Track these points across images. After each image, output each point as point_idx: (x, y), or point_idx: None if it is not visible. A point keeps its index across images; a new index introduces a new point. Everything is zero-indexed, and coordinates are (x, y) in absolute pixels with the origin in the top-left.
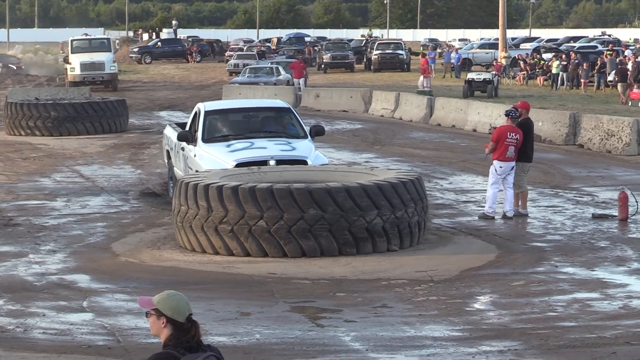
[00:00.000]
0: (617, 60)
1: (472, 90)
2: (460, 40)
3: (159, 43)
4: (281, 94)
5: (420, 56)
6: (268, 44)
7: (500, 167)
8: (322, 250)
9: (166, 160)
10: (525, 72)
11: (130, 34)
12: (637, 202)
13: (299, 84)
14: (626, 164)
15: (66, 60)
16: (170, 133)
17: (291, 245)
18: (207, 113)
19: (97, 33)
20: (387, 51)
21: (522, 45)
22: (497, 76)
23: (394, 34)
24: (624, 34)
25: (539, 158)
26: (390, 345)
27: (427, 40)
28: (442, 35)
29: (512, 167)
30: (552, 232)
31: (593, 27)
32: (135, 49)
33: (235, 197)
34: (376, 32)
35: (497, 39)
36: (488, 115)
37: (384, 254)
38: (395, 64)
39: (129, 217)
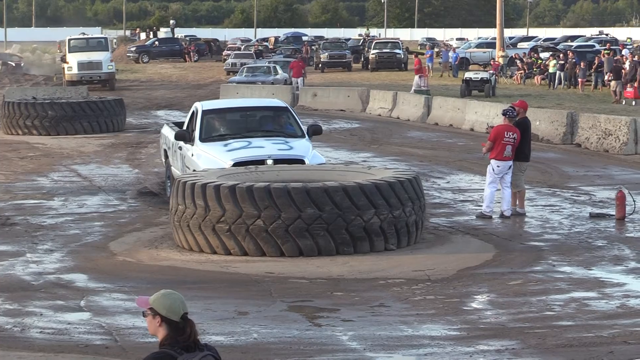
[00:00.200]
0: (615, 58)
1: (470, 90)
2: (457, 39)
3: (157, 42)
4: (279, 93)
5: (413, 56)
6: (265, 43)
7: (498, 166)
8: (319, 249)
9: (163, 160)
10: (522, 71)
11: (128, 33)
12: (634, 201)
13: (297, 83)
14: (623, 163)
15: (64, 60)
16: (168, 132)
17: (289, 244)
18: (204, 112)
19: (95, 32)
20: (385, 50)
21: (520, 45)
22: (494, 75)
23: (392, 33)
24: (622, 33)
25: (537, 157)
26: (388, 345)
27: (425, 40)
28: (440, 34)
29: (510, 167)
30: (549, 232)
31: (590, 26)
32: (133, 48)
33: (233, 197)
34: (373, 32)
35: (495, 38)
36: (485, 115)
37: (381, 253)
38: (392, 63)
39: (126, 217)
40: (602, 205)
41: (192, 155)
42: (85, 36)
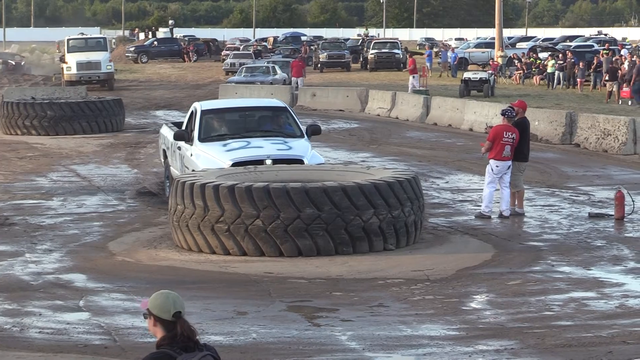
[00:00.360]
0: (613, 59)
1: (469, 90)
2: (456, 39)
3: (155, 42)
4: (277, 93)
5: (408, 56)
6: (264, 43)
7: (497, 166)
8: (318, 249)
9: (162, 160)
10: (521, 71)
11: (127, 33)
12: (633, 201)
13: (297, 82)
14: (622, 163)
15: (62, 60)
16: (167, 132)
17: (288, 244)
18: (203, 112)
19: (94, 32)
20: (384, 50)
21: (519, 45)
22: (493, 75)
23: (390, 33)
24: (620, 33)
25: (536, 157)
26: (387, 345)
27: (424, 40)
28: (439, 34)
29: (509, 167)
30: (548, 232)
31: (589, 26)
32: (132, 48)
33: (232, 197)
34: (372, 32)
35: (494, 38)
36: (484, 115)
37: (380, 253)
38: (391, 63)
39: (125, 217)
40: (601, 205)
41: (191, 155)
42: (84, 36)
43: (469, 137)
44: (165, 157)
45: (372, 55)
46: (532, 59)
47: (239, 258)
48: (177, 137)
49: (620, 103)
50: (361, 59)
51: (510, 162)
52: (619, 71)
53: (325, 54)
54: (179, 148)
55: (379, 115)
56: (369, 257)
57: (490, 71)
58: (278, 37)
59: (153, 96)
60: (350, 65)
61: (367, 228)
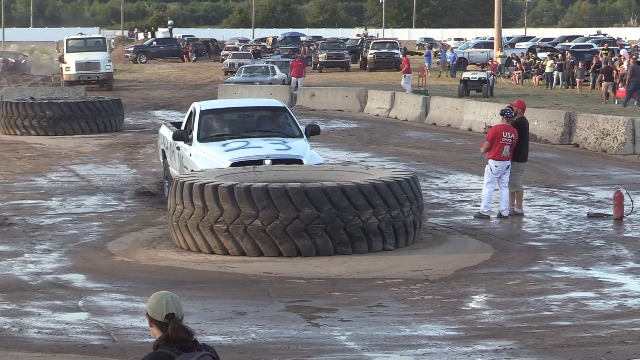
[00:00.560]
0: (612, 59)
1: (468, 90)
2: (455, 39)
3: (155, 42)
4: (277, 94)
5: (402, 56)
6: (263, 43)
7: (496, 166)
8: (317, 249)
9: (161, 160)
10: (520, 71)
11: (126, 33)
12: (632, 201)
13: (297, 82)
14: (621, 163)
15: (61, 60)
16: (166, 132)
17: (287, 244)
18: (202, 112)
19: (93, 32)
20: (383, 50)
21: (518, 45)
22: (492, 75)
23: (390, 33)
24: (620, 33)
25: (535, 157)
26: (386, 345)
27: (423, 40)
28: (438, 34)
29: (508, 167)
30: (547, 232)
31: (588, 26)
32: (131, 48)
33: (231, 197)
34: (371, 32)
35: (493, 38)
36: (483, 115)
37: (379, 253)
38: (390, 63)
39: (124, 217)
40: (600, 205)
41: (190, 155)
42: (83, 36)
43: (468, 137)
44: (164, 157)
45: (371, 56)
46: (531, 59)
47: (238, 258)
48: (176, 137)
49: (616, 103)
50: (360, 59)
51: (509, 162)
52: (614, 71)
53: (324, 54)
54: (178, 148)
55: (378, 115)
56: (368, 257)
57: (489, 71)
58: (277, 37)
59: (152, 96)
60: (350, 65)
61: (366, 228)
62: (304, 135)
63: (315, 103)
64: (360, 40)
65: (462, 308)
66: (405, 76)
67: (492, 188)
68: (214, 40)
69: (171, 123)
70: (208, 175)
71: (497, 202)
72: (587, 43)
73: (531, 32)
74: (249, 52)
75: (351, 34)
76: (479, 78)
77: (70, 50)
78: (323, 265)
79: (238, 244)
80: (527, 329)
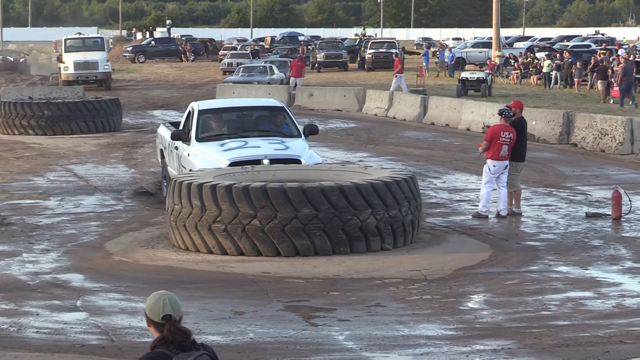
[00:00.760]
0: (610, 59)
1: (466, 89)
2: (454, 39)
3: (153, 42)
4: (275, 93)
5: (394, 56)
6: (262, 43)
7: (494, 166)
8: (315, 249)
9: (160, 160)
10: (518, 71)
11: (124, 33)
12: (630, 201)
13: (296, 82)
14: (620, 162)
15: (60, 60)
16: (164, 132)
17: (285, 244)
18: (200, 112)
19: (91, 32)
20: (381, 50)
21: (516, 44)
22: (490, 75)
23: (388, 33)
24: (618, 33)
25: (533, 157)
26: (384, 344)
27: (421, 40)
28: (436, 34)
29: (506, 166)
30: (545, 231)
31: (587, 26)
32: (129, 48)
33: (229, 196)
34: (370, 31)
35: (491, 38)
36: (482, 114)
37: (377, 253)
38: (389, 63)
39: (122, 217)
40: (598, 205)
41: (189, 155)
42: (82, 36)
43: (466, 137)
44: (163, 156)
45: (370, 55)
46: (529, 58)
47: (236, 258)
48: (174, 137)
49: (611, 102)
50: (358, 58)
51: (507, 162)
52: (609, 70)
53: (322, 53)
54: (176, 148)
55: (376, 115)
56: (366, 256)
57: (487, 71)
58: (275, 37)
59: (150, 96)
60: (348, 65)
61: (364, 228)
62: (302, 135)
63: (314, 103)
64: (358, 40)
65: (461, 308)
66: (396, 76)
67: (490, 188)
68: (212, 40)
69: (169, 123)
70: (206, 175)
71: (496, 202)
72: (585, 43)
73: (529, 31)
74: (247, 52)
75: (349, 33)
76: (477, 78)
77: (68, 50)
78: (321, 265)
79: (236, 243)
80: (526, 329)
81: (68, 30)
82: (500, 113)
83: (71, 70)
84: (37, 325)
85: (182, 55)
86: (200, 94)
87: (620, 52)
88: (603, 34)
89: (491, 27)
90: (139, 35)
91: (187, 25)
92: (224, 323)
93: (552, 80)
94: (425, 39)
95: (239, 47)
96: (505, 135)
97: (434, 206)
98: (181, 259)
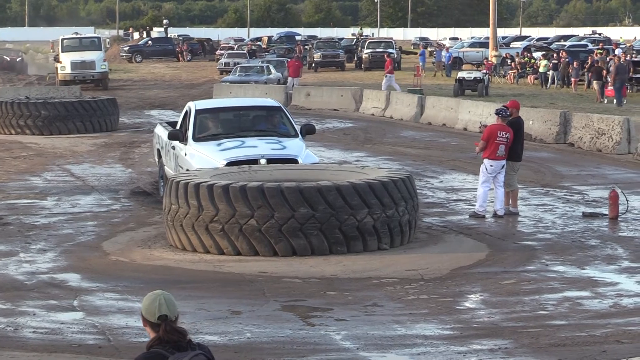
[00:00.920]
0: (607, 58)
1: (463, 89)
2: (451, 39)
3: (150, 42)
4: (272, 93)
5: (385, 56)
6: (259, 43)
7: (491, 165)
8: (312, 249)
9: (157, 159)
10: (515, 70)
11: (121, 32)
12: (627, 200)
13: (293, 82)
14: (616, 162)
15: (57, 59)
16: (161, 132)
17: (282, 244)
18: (197, 112)
19: (88, 32)
20: (378, 50)
21: (513, 44)
22: (487, 75)
23: (385, 32)
24: (615, 32)
25: (530, 157)
26: (381, 344)
27: (418, 39)
28: (433, 34)
29: (503, 166)
30: (542, 231)
31: (584, 25)
32: (126, 48)
33: (226, 196)
34: (367, 31)
35: (488, 38)
36: (479, 114)
37: (374, 252)
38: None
39: (119, 216)
40: (595, 204)
41: (186, 154)
42: (78, 36)
43: (463, 137)
44: (160, 156)
45: (367, 55)
46: (526, 58)
47: (233, 258)
48: (171, 137)
49: (605, 102)
50: (355, 58)
51: (504, 162)
52: (604, 71)
53: (319, 53)
54: (173, 147)
55: (373, 114)
56: (363, 256)
57: (484, 71)
58: (272, 36)
59: (147, 96)
60: (345, 65)
61: (361, 227)
62: (299, 135)
63: (311, 102)
64: (355, 40)
65: (458, 307)
66: (386, 76)
67: (487, 187)
68: (209, 39)
69: (166, 122)
70: (203, 175)
71: (493, 202)
72: (582, 42)
73: (526, 31)
74: (244, 52)
75: (346, 33)
76: (474, 77)
77: (65, 49)
78: (318, 265)
79: (233, 243)
80: (522, 328)
81: (65, 30)
82: (497, 113)
83: (68, 70)
84: (34, 325)
85: (179, 55)
86: (197, 94)
87: (617, 51)
88: (600, 34)
89: (488, 26)
90: (136, 35)
91: (184, 25)
92: (221, 323)
93: (549, 80)
94: (422, 39)
95: (236, 46)
96: (502, 135)
97: (431, 206)
98: (178, 258)
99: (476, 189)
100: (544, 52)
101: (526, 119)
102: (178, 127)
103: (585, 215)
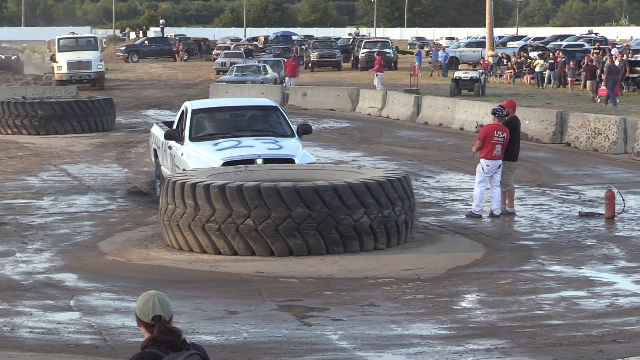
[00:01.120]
0: (604, 58)
1: (459, 89)
2: (447, 38)
3: (146, 41)
4: (268, 93)
5: (376, 55)
6: (255, 43)
7: (487, 165)
8: (309, 248)
9: (153, 159)
10: (512, 70)
11: (118, 32)
12: (623, 200)
13: (290, 82)
14: (613, 162)
15: (53, 59)
16: (158, 132)
17: (278, 243)
18: (194, 112)
19: (84, 32)
20: (374, 50)
21: (509, 44)
22: (484, 75)
23: (381, 32)
24: (611, 32)
25: (526, 156)
26: (378, 344)
27: (414, 39)
28: (429, 33)
29: (499, 166)
30: (539, 231)
31: (580, 25)
32: (123, 48)
33: (223, 196)
34: (363, 31)
35: (484, 38)
36: (475, 114)
37: (371, 252)
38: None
39: (116, 216)
40: (592, 204)
41: (182, 154)
42: (75, 35)
43: (459, 137)
44: (156, 156)
45: (363, 55)
46: (522, 58)
47: (230, 257)
48: (167, 137)
49: (598, 101)
50: (352, 58)
51: (500, 162)
52: (598, 70)
53: (316, 53)
54: (170, 147)
55: (369, 114)
56: (359, 256)
57: (481, 70)
58: (269, 36)
59: (144, 95)
60: (341, 65)
61: (358, 227)
62: (296, 135)
63: (307, 102)
64: (352, 40)
65: (454, 307)
66: (377, 75)
67: (483, 187)
68: (206, 39)
69: (163, 122)
70: (200, 175)
71: (489, 201)
72: (578, 42)
73: (523, 31)
74: (241, 52)
75: (343, 33)
76: (471, 77)
77: (61, 49)
78: (315, 265)
79: (230, 243)
80: (519, 328)
81: (61, 29)
82: (494, 112)
83: (64, 69)
84: (30, 325)
85: (176, 55)
86: (194, 94)
87: (614, 51)
88: (596, 34)
89: (485, 26)
90: (133, 35)
91: (180, 25)
92: (218, 323)
93: (546, 80)
94: (418, 39)
95: (232, 46)
96: (499, 134)
97: (427, 206)
98: (174, 258)
99: (472, 188)
100: (540, 52)
101: (522, 118)
102: (174, 127)
103: (582, 215)
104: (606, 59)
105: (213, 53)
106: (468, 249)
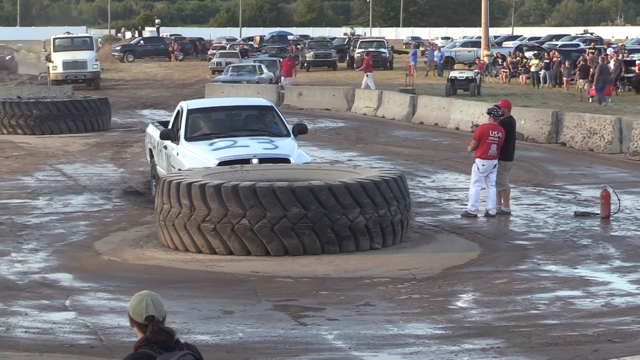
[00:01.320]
0: (599, 58)
1: (455, 89)
2: (443, 38)
3: (142, 41)
4: (264, 93)
5: (364, 54)
6: (251, 42)
7: (483, 165)
8: (305, 248)
9: (149, 159)
10: (507, 70)
11: (113, 32)
12: (619, 199)
13: (286, 82)
14: (608, 162)
15: (48, 59)
16: (153, 131)
17: (274, 243)
18: (189, 111)
19: (80, 31)
20: (370, 49)
21: (505, 44)
22: (479, 74)
23: (377, 32)
24: (606, 32)
25: (522, 156)
26: (373, 344)
27: (410, 39)
28: (425, 33)
29: (495, 165)
30: (534, 230)
31: (575, 25)
32: (118, 48)
33: (218, 196)
34: (359, 31)
35: (480, 37)
36: (470, 114)
37: (367, 252)
38: (378, 62)
39: (111, 216)
40: (587, 204)
41: (178, 154)
42: (70, 35)
43: (455, 136)
44: (152, 156)
45: (359, 55)
46: (518, 58)
47: (226, 257)
48: (163, 136)
49: (590, 101)
50: (347, 58)
51: (496, 161)
52: (591, 70)
53: (311, 53)
54: (165, 147)
55: (365, 114)
56: (355, 256)
57: (476, 70)
58: (264, 36)
59: (139, 95)
60: (337, 65)
61: (353, 227)
62: (292, 135)
63: (303, 102)
64: (347, 39)
65: (450, 307)
66: (367, 75)
67: (479, 187)
68: (201, 39)
69: (158, 122)
70: (195, 175)
71: (485, 201)
72: (574, 42)
73: (518, 31)
74: (237, 51)
75: (338, 33)
76: (467, 77)
77: (57, 49)
78: (310, 265)
79: (225, 243)
80: (515, 328)
81: (57, 29)
82: (489, 112)
83: (60, 69)
84: (25, 325)
85: (171, 55)
86: (189, 94)
87: (609, 51)
88: (592, 33)
89: (480, 26)
90: (128, 35)
91: (176, 25)
92: (213, 322)
93: (541, 80)
94: (414, 38)
95: (228, 46)
96: (494, 134)
97: (423, 205)
98: (170, 258)
99: (468, 188)
100: (535, 52)
101: (518, 118)
102: (170, 126)
103: (577, 215)
104: (605, 59)
105: (209, 53)
106: (463, 248)
